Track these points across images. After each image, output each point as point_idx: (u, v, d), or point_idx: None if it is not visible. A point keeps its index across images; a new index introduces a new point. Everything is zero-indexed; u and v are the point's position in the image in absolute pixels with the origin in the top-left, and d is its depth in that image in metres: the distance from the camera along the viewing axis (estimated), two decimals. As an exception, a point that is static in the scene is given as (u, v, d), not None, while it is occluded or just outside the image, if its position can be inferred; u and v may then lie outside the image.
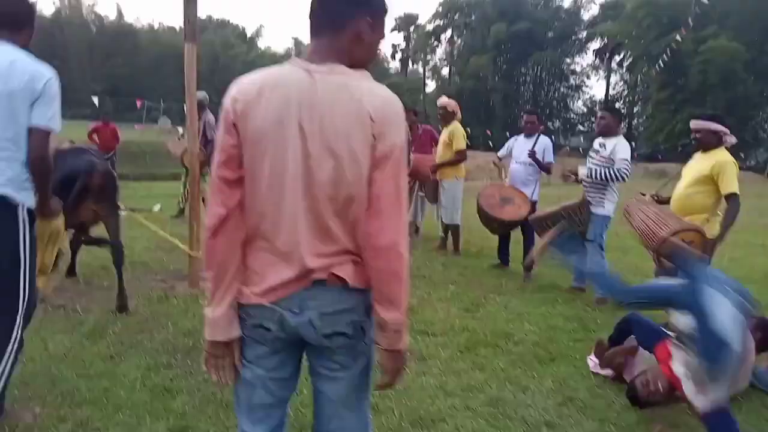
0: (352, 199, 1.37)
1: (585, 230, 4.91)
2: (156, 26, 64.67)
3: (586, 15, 55.04)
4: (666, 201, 4.22)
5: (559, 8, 55.14)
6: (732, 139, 4.00)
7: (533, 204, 5.60)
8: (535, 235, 5.42)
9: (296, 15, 64.71)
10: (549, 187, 7.90)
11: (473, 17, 57.18)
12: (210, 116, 7.32)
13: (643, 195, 4.37)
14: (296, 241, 1.38)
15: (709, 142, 3.98)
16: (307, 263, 1.38)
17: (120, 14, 58.95)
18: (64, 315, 3.94)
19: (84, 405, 2.73)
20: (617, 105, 55.15)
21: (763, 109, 41.58)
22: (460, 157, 6.47)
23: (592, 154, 5.01)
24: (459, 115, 6.65)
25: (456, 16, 60.22)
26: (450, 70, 61.81)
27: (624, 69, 52.06)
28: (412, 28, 66.76)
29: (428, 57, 64.72)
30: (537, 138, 5.73)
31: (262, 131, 1.36)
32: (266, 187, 1.38)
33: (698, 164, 4.02)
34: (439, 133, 6.95)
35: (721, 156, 3.90)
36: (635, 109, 51.53)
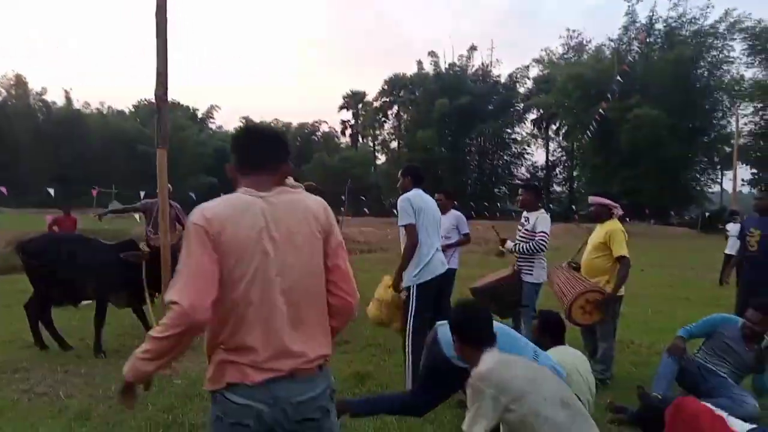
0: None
1: (519, 298, 5.27)
2: (105, 111, 64.99)
3: (522, 88, 58.99)
4: (578, 267, 5.01)
5: (496, 83, 58.87)
6: (619, 212, 4.92)
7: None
8: None
9: (246, 96, 66.51)
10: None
11: (417, 93, 60.22)
12: (176, 204, 7.74)
13: (562, 264, 5.13)
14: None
15: (600, 214, 4.88)
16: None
17: (68, 101, 58.87)
18: (48, 401, 4.25)
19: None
20: (557, 170, 58.47)
21: (691, 168, 44.79)
22: None
23: (519, 227, 5.62)
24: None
25: (401, 93, 63.26)
26: (398, 143, 64.19)
27: (560, 137, 55.59)
28: (360, 105, 69.56)
29: (377, 132, 67.17)
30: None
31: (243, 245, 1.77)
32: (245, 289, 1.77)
33: (596, 234, 4.89)
34: None
35: (611, 226, 4.79)
36: (575, 173, 54.63)
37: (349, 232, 29.36)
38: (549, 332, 3.94)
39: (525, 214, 5.52)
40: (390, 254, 16.14)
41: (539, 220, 5.29)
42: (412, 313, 4.33)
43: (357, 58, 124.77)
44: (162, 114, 5.20)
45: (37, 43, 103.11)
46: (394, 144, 65.81)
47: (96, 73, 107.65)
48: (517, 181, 57.16)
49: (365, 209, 40.46)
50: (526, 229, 5.34)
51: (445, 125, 55.88)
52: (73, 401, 4.21)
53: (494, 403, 2.39)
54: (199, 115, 71.31)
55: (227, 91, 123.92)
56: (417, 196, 4.54)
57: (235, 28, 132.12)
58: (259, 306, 1.77)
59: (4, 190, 15.44)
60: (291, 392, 1.78)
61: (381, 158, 67.93)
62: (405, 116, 63.22)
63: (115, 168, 49.25)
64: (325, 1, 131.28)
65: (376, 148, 68.04)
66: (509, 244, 5.47)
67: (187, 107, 69.84)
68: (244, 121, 72.43)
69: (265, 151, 1.97)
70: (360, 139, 72.20)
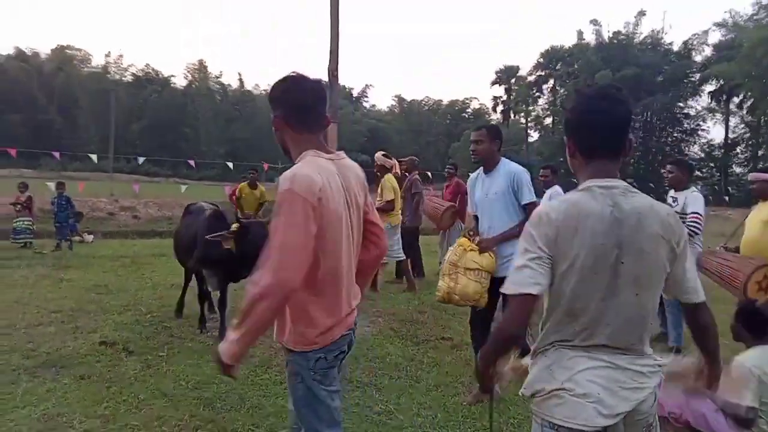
0: None
1: None
2: (272, 92, 70.29)
3: (698, 56, 52.80)
4: (734, 251, 4.63)
5: (667, 52, 53.39)
6: None
7: None
8: None
9: (399, 73, 67.79)
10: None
11: (576, 66, 56.80)
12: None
13: (716, 248, 4.77)
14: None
15: (764, 191, 4.52)
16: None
17: (241, 83, 64.75)
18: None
19: (270, 416, 3.48)
20: (738, 149, 51.74)
21: None
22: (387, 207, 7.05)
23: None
24: (396, 168, 7.49)
25: (558, 66, 60.13)
26: (553, 119, 61.29)
27: (744, 111, 49.03)
28: (513, 80, 67.40)
29: (530, 107, 64.73)
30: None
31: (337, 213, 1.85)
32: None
33: (760, 212, 4.46)
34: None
35: None
36: (760, 152, 48.02)
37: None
38: (752, 327, 3.15)
39: (672, 193, 5.20)
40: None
41: (690, 199, 4.94)
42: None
43: (510, 32, 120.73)
44: (333, 88, 5.53)
45: (215, 30, 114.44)
46: (548, 120, 62.98)
47: (265, 55, 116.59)
48: (690, 161, 51.85)
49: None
50: (675, 211, 5.00)
51: (607, 99, 52.15)
52: (256, 351, 4.70)
53: None
54: (354, 94, 74.11)
55: (380, 70, 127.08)
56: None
57: (388, 6, 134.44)
58: (345, 271, 1.95)
59: (192, 162, 17.53)
60: (349, 339, 2.06)
61: (533, 135, 65.48)
62: (561, 90, 60.06)
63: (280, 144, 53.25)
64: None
65: (529, 124, 65.64)
66: None
67: (344, 86, 72.96)
68: (397, 98, 73.91)
69: (323, 107, 1.96)
70: (512, 116, 70.12)
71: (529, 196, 3.66)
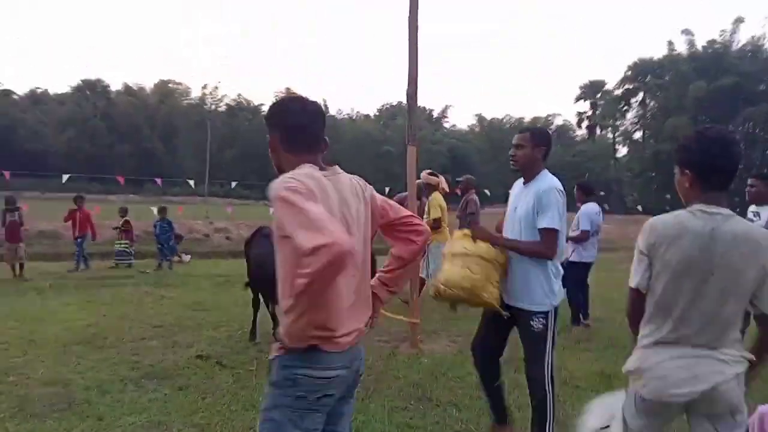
0: None
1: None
2: (354, 116, 72.28)
3: (806, 62, 48.81)
4: None
5: (770, 58, 49.78)
6: None
7: None
8: None
9: (480, 93, 67.60)
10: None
11: (667, 77, 54.21)
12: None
13: None
14: None
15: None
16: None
17: (326, 108, 67.02)
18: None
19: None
20: None
21: None
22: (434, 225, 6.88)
23: None
24: (443, 185, 7.29)
25: (647, 78, 57.65)
26: (643, 133, 58.60)
27: None
28: (598, 95, 65.26)
29: (618, 122, 62.30)
30: None
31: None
32: None
33: None
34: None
35: None
36: None
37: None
38: None
39: (753, 208, 4.90)
40: (633, 253, 14.87)
41: None
42: (551, 347, 3.06)
43: (594, 46, 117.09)
44: (412, 112, 5.65)
45: (301, 57, 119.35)
46: (637, 134, 60.30)
47: (347, 81, 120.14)
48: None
49: (605, 205, 38.00)
50: (758, 225, 4.67)
51: (702, 111, 49.31)
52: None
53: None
54: (435, 115, 74.50)
55: (460, 90, 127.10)
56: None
57: (470, 27, 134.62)
58: (345, 291, 1.81)
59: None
60: (356, 355, 1.93)
61: (622, 150, 62.86)
62: (651, 103, 57.44)
63: (362, 167, 54.42)
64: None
65: (617, 139, 63.12)
66: None
67: (423, 108, 73.54)
68: (477, 116, 73.58)
69: (320, 128, 1.92)
70: (598, 131, 67.73)
71: (548, 220, 2.95)
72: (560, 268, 3.10)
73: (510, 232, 3.15)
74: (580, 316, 6.59)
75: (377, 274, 2.10)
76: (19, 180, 38.02)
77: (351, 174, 1.97)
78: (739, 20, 51.27)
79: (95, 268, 11.74)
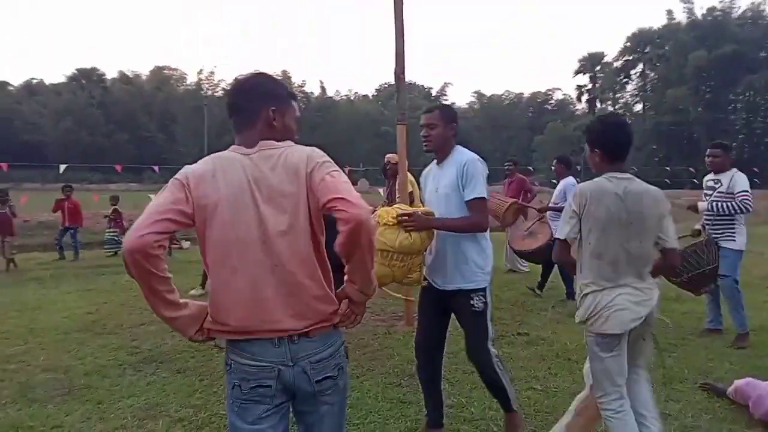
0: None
1: (712, 270, 4.64)
2: (352, 96, 71.84)
3: (808, 27, 48.19)
4: None
5: (771, 25, 49.12)
6: None
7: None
8: None
9: (478, 69, 67.07)
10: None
11: (666, 47, 53.64)
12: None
13: None
14: None
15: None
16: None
17: (323, 90, 66.79)
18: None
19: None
20: None
21: None
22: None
23: (707, 191, 5.00)
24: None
25: (647, 49, 57.08)
26: (643, 105, 58.20)
27: None
28: (598, 68, 64.68)
29: (618, 94, 61.85)
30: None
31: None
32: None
33: None
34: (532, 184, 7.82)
35: None
36: None
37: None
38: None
39: (712, 176, 5.02)
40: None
41: (735, 179, 4.81)
42: (491, 323, 3.05)
43: (592, 18, 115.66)
44: (401, 91, 5.64)
45: (297, 40, 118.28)
46: (638, 107, 59.91)
47: (345, 61, 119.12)
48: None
49: (605, 179, 38.01)
50: (720, 192, 4.85)
51: (702, 80, 48.90)
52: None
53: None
54: (433, 93, 74.06)
55: (458, 66, 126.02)
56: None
57: (462, 2, 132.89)
58: (242, 273, 1.68)
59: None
60: (303, 353, 1.71)
61: (623, 123, 62.48)
62: (651, 75, 56.97)
63: (361, 147, 54.29)
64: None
65: (617, 112, 62.68)
66: (702, 204, 4.98)
67: (422, 86, 73.08)
68: (476, 94, 73.11)
69: (250, 104, 1.81)
70: (598, 104, 67.28)
71: (477, 190, 2.86)
72: (489, 239, 3.06)
73: (439, 213, 2.95)
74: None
75: None
76: (17, 171, 38.09)
77: (312, 147, 1.79)
78: (739, -14, 50.68)
79: (94, 257, 11.83)
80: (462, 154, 2.99)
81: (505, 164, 8.76)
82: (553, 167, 7.30)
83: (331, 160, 1.76)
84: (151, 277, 1.61)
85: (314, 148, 1.78)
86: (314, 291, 1.71)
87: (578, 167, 33.42)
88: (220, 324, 1.72)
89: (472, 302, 2.93)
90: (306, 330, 1.70)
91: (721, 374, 4.07)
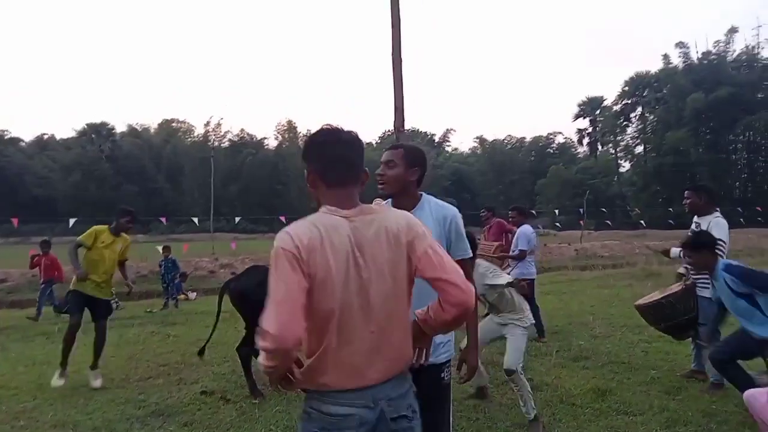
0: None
1: (690, 317, 4.66)
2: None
3: (802, 69, 49.06)
4: None
5: (766, 67, 50.02)
6: None
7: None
8: None
9: (481, 115, 68.07)
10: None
11: (665, 91, 54.58)
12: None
13: None
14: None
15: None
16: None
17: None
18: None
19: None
20: None
21: None
22: None
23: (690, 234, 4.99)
24: None
25: (645, 93, 58.09)
26: (644, 147, 58.76)
27: None
28: (597, 111, 65.70)
29: (618, 137, 62.56)
30: None
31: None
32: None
33: None
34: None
35: None
36: None
37: (590, 247, 27.90)
38: None
39: (695, 218, 5.02)
40: (636, 269, 14.92)
41: (713, 225, 4.73)
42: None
43: (590, 63, 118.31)
44: (401, 136, 5.88)
45: (302, 89, 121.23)
46: (639, 149, 60.43)
47: (348, 110, 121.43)
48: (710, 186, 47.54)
49: (607, 221, 38.03)
50: None
51: (702, 122, 49.48)
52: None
53: None
54: (436, 140, 75.08)
55: (460, 113, 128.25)
56: None
57: (466, 49, 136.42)
58: (344, 334, 1.71)
59: (283, 218, 18.54)
60: (382, 395, 1.74)
61: (625, 165, 62.94)
62: (651, 117, 57.73)
63: (365, 195, 54.67)
64: (548, 8, 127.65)
65: (619, 155, 63.25)
66: (674, 250, 5.02)
67: (425, 133, 74.19)
68: (478, 139, 74.03)
69: (356, 160, 1.84)
70: (599, 147, 67.97)
71: (469, 249, 2.57)
72: None
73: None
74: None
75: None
76: (27, 226, 38.57)
77: (407, 213, 1.87)
78: (733, 30, 51.87)
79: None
80: (443, 207, 2.59)
81: (481, 212, 8.60)
82: (510, 217, 7.40)
83: (426, 229, 1.83)
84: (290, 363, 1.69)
85: (408, 214, 1.88)
86: (405, 348, 1.81)
87: (581, 210, 33.67)
88: (315, 384, 1.74)
89: (443, 375, 2.52)
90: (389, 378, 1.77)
91: (726, 417, 4.07)
